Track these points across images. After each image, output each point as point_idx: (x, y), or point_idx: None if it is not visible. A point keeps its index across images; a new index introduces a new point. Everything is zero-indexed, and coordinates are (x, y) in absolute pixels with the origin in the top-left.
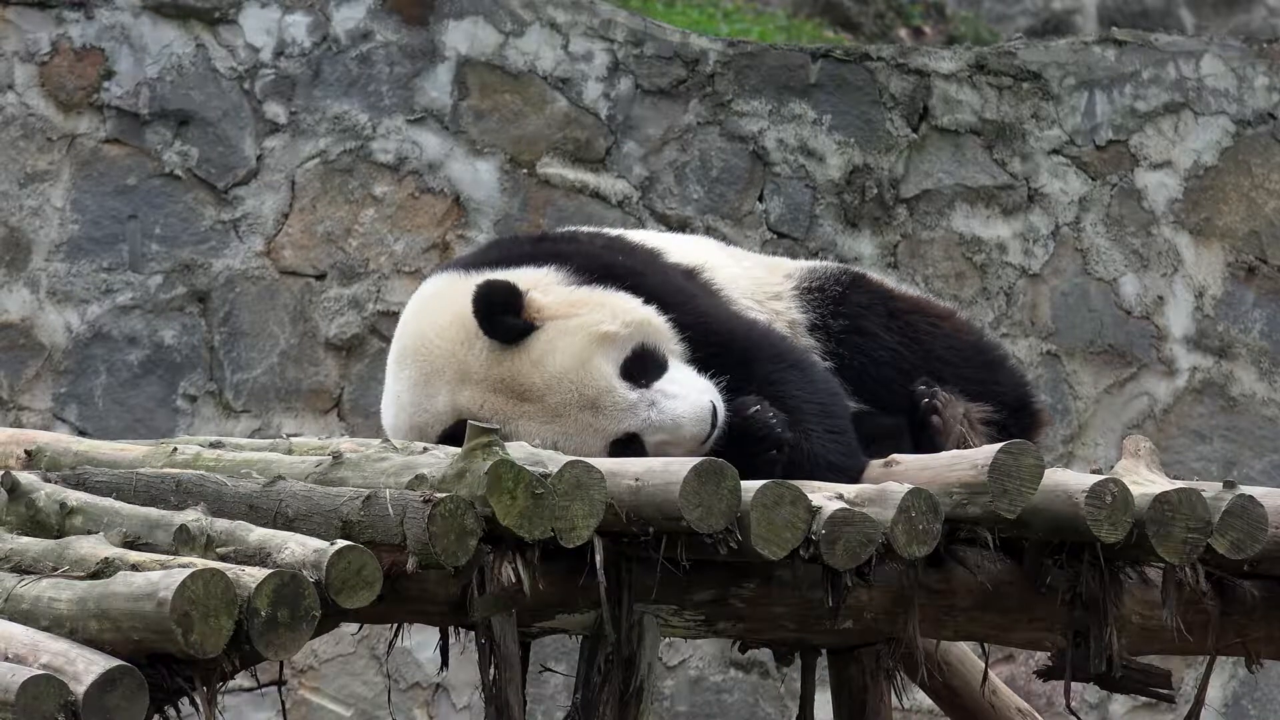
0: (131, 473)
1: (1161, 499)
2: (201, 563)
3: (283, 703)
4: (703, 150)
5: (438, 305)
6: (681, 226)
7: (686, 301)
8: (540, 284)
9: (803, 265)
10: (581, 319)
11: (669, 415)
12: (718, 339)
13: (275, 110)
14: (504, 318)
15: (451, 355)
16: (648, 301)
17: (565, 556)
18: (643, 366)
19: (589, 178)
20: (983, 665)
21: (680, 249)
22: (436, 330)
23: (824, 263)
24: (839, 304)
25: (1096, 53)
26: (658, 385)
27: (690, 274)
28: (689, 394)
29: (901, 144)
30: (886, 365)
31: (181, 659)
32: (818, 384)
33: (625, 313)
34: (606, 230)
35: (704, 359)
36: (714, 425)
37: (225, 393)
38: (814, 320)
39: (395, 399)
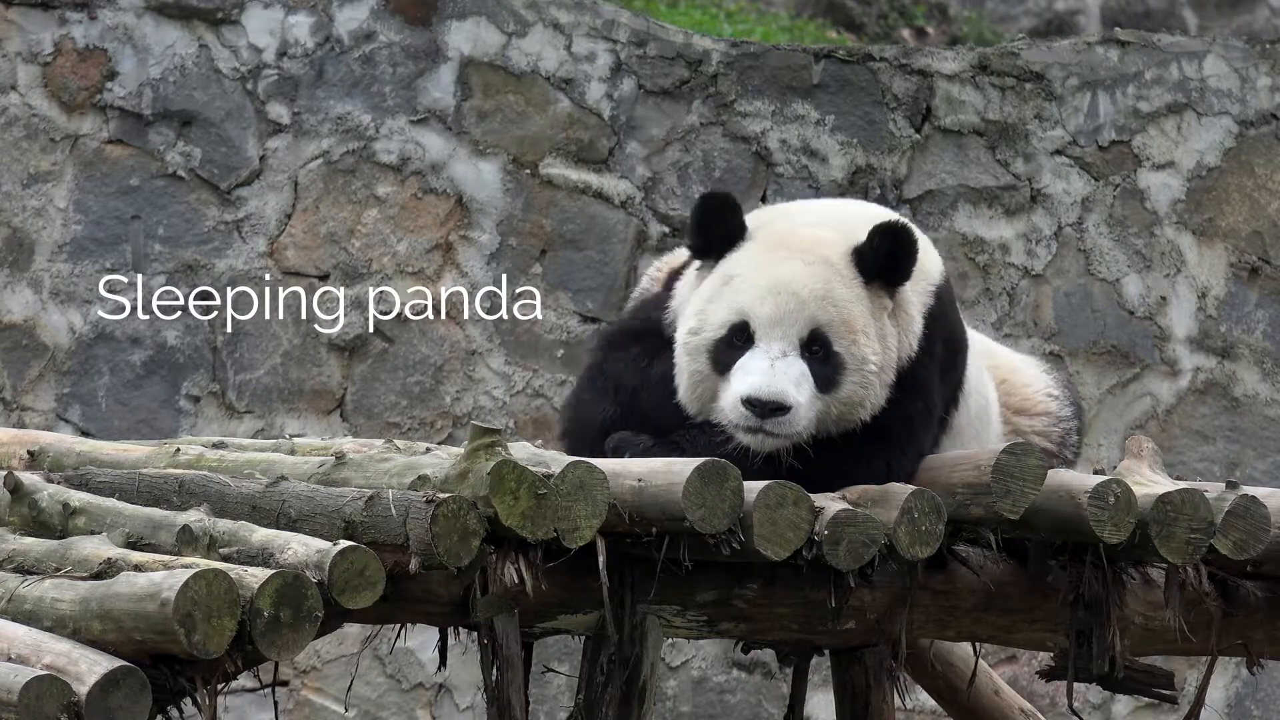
0: (134, 473)
1: (1164, 499)
2: (204, 563)
3: (275, 704)
4: (705, 151)
5: None
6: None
7: None
8: None
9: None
10: None
11: None
12: None
13: (278, 111)
14: None
15: None
16: None
17: (568, 557)
18: None
19: (592, 178)
20: (986, 666)
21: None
22: None
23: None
24: None
25: (1099, 53)
26: None
27: None
28: None
29: (904, 144)
30: None
31: (184, 659)
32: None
33: None
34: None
35: None
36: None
37: (228, 393)
38: None
39: None
